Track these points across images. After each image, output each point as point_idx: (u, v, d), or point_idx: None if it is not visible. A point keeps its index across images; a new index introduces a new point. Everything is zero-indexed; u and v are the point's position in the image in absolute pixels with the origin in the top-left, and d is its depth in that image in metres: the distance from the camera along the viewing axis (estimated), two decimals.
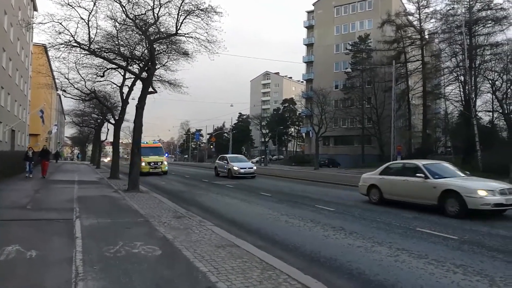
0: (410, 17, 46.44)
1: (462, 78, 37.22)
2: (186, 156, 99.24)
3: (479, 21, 37.55)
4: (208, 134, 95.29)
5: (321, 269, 5.73)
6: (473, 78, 35.61)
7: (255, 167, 25.97)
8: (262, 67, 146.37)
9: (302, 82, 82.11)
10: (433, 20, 42.47)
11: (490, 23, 37.15)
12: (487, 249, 6.89)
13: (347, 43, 56.30)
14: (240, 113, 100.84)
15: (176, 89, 22.36)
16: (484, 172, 27.05)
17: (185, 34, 15.81)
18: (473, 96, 34.98)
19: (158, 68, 19.53)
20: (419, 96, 46.63)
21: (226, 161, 25.92)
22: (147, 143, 29.21)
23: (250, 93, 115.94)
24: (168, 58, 19.79)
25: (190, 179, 24.79)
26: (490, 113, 37.87)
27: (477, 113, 34.78)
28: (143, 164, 24.07)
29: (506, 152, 25.81)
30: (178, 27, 15.33)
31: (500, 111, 35.50)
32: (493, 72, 35.75)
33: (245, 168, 24.65)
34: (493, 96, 35.73)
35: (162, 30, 16.71)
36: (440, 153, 52.96)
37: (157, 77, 21.14)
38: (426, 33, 45.64)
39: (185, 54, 18.42)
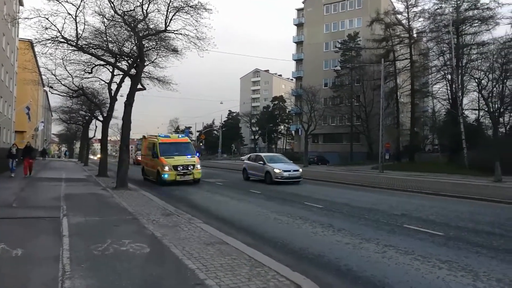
0: (399, 16, 46.78)
1: (449, 76, 37.72)
2: None
3: (466, 21, 38.04)
4: (197, 131, 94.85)
5: (309, 266, 5.77)
6: (460, 76, 36.09)
7: (301, 170, 20.42)
8: (252, 65, 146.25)
9: (291, 80, 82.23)
10: (421, 19, 42.90)
11: (477, 23, 37.66)
12: (472, 245, 7.03)
13: (336, 41, 56.52)
14: (230, 110, 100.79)
15: (165, 86, 22.23)
16: (470, 170, 27.54)
17: (175, 30, 15.74)
18: (460, 94, 35.47)
19: (147, 65, 19.38)
20: (407, 94, 47.07)
21: (261, 162, 20.31)
22: (169, 137, 21.02)
23: (240, 90, 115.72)
24: (157, 54, 19.66)
25: None
26: (476, 111, 38.49)
27: (463, 111, 35.29)
28: (166, 168, 17.81)
29: (492, 150, 26.23)
30: (167, 24, 15.24)
31: (486, 109, 36.07)
32: (479, 71, 36.30)
33: (290, 171, 19.39)
34: (479, 94, 36.28)
35: (151, 26, 16.57)
36: (427, 151, 53.74)
37: (146, 74, 20.97)
38: (414, 31, 46.03)
39: (174, 51, 18.32)
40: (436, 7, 39.59)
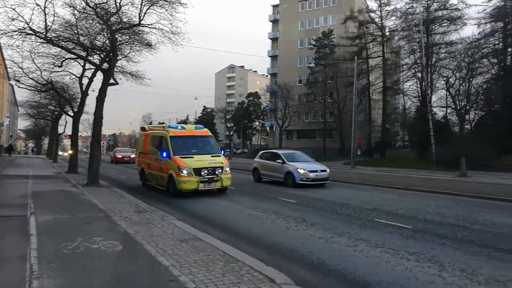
0: (372, 14, 47.62)
1: (419, 74, 38.79)
2: None
3: (436, 20, 39.25)
4: None
5: (283, 260, 5.86)
6: (429, 75, 37.21)
7: (328, 169, 17.25)
8: (227, 60, 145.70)
9: (266, 76, 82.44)
10: (393, 18, 43.89)
11: (446, 23, 38.92)
12: (438, 237, 7.32)
13: (311, 38, 57.02)
14: (204, 106, 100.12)
15: (139, 81, 21.75)
16: (438, 165, 28.52)
17: (149, 25, 15.48)
18: (429, 92, 36.58)
19: (120, 59, 18.92)
20: (379, 92, 48.08)
21: (280, 161, 17.14)
22: (184, 128, 15.12)
23: (214, 86, 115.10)
24: (130, 49, 19.20)
25: None
26: (444, 109, 39.81)
27: (432, 108, 36.43)
28: (184, 173, 12.69)
29: (458, 146, 27.23)
30: (141, 18, 14.96)
31: (453, 107, 37.38)
32: (447, 70, 37.53)
33: (316, 171, 16.40)
34: (447, 92, 37.55)
35: (124, 20, 16.20)
36: (398, 147, 55.22)
37: (119, 68, 20.47)
38: (387, 30, 47.02)
39: (148, 45, 17.98)
40: (408, 7, 40.67)
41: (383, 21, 45.69)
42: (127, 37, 17.87)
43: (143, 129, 17.91)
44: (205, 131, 15.19)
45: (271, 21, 68.48)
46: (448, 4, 39.05)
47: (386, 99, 46.52)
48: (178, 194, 12.78)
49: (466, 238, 7.30)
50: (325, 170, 16.76)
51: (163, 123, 30.11)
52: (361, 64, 45.10)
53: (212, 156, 13.70)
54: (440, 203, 11.97)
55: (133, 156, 37.36)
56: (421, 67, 37.14)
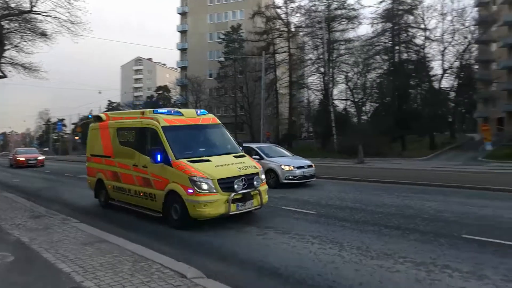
0: (278, 10, 49.30)
1: (322, 69, 41.50)
2: (47, 148, 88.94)
3: (336, 19, 42.30)
4: (72, 124, 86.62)
5: (194, 255, 5.85)
6: (331, 69, 39.99)
7: (313, 165, 14.65)
8: (134, 53, 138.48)
9: (176, 69, 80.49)
10: (298, 15, 46.16)
11: (344, 21, 42.22)
12: (338, 220, 7.98)
13: (220, 32, 57.05)
14: (109, 100, 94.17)
15: (32, 74, 19.61)
16: (339, 154, 30.92)
17: (43, 12, 14.12)
18: (331, 86, 39.33)
19: (8, 49, 16.92)
20: (286, 86, 50.16)
21: (257, 156, 13.57)
22: (181, 114, 9.04)
23: (120, 79, 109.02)
24: (21, 38, 17.25)
25: (51, 174, 22.33)
26: (344, 101, 43.24)
27: (334, 101, 39.30)
28: (204, 188, 7.39)
29: (356, 135, 29.84)
30: (34, 4, 13.59)
31: (352, 99, 40.77)
32: (347, 65, 40.81)
33: (303, 167, 13.85)
34: (347, 86, 40.84)
35: (12, 5, 14.51)
36: (303, 138, 58.47)
37: (7, 59, 18.26)
38: (292, 26, 49.17)
39: (43, 34, 16.36)
40: (311, 4, 43.09)
41: (288, 18, 47.58)
42: (16, 24, 16.05)
43: (98, 118, 11.19)
44: (213, 118, 9.84)
45: (179, 13, 66.81)
46: (346, 4, 42.32)
47: (292, 93, 48.71)
48: (190, 225, 7.59)
49: (362, 219, 8.07)
50: (311, 166, 14.34)
51: (63, 119, 25.34)
52: (268, 59, 46.48)
53: (235, 157, 8.68)
54: (340, 188, 13.01)
55: (41, 158, 31.83)
56: (323, 62, 39.70)
